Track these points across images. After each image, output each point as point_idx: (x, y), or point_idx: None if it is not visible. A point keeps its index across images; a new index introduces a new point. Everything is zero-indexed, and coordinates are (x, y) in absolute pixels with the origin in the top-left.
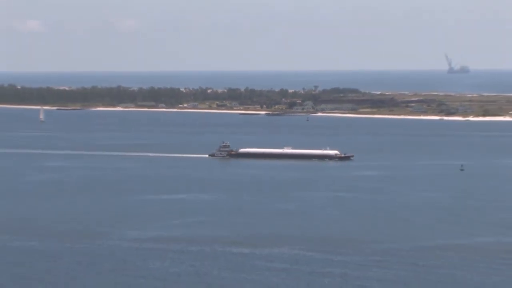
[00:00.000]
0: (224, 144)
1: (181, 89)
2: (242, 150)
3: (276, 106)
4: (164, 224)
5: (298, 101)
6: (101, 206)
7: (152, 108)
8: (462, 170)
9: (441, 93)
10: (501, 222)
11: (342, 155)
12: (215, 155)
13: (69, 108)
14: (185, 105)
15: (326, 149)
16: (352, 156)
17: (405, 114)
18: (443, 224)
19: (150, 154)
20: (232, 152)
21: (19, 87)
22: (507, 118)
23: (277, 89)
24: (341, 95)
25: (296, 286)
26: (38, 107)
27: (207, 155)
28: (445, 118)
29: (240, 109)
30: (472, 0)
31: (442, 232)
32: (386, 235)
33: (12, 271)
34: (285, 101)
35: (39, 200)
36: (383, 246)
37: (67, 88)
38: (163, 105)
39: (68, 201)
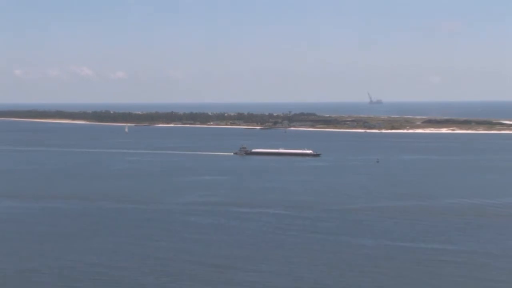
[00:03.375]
0: (242, 146)
1: (209, 113)
2: (254, 150)
3: (266, 123)
4: (198, 194)
5: (279, 120)
6: (157, 183)
7: (191, 125)
8: (377, 162)
9: (365, 116)
10: (398, 194)
11: (315, 153)
12: (237, 153)
13: (142, 124)
14: (211, 123)
15: (304, 149)
16: (321, 154)
17: (344, 129)
18: (364, 194)
19: (192, 153)
20: (248, 151)
21: (111, 112)
22: (405, 131)
23: (266, 113)
24: (305, 116)
25: (275, 231)
26: (124, 124)
27: (231, 153)
28: (368, 130)
29: (244, 125)
30: (385, 54)
31: (363, 199)
32: (331, 202)
33: (101, 222)
34: (271, 120)
35: (121, 180)
36: (329, 208)
37: (140, 113)
38: (198, 123)
39: (138, 180)
